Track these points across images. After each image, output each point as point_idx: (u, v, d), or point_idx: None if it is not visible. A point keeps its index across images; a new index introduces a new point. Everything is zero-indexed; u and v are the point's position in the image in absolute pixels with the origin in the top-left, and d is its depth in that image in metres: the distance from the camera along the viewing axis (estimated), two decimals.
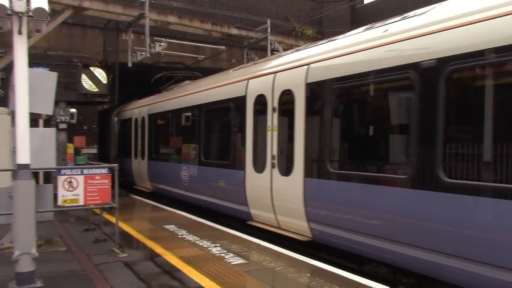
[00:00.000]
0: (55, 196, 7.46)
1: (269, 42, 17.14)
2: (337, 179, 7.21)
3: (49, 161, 7.66)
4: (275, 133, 8.60)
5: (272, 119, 8.71)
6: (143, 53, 15.42)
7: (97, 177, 7.56)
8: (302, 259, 7.09)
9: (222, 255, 7.35)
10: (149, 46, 15.04)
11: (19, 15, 5.75)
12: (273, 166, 8.61)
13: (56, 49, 16.50)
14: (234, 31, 17.02)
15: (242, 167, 9.63)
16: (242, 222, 9.95)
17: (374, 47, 6.55)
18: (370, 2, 22.11)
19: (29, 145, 5.90)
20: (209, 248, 7.80)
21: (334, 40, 8.08)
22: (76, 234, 9.35)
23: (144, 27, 14.68)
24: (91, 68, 14.76)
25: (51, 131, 8.04)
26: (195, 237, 8.74)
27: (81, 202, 7.48)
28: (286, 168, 8.38)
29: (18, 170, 5.89)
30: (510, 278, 4.69)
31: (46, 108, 7.58)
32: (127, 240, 8.57)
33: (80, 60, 16.22)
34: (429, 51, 5.61)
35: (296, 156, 7.97)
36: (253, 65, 10.86)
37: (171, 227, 9.75)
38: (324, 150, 7.42)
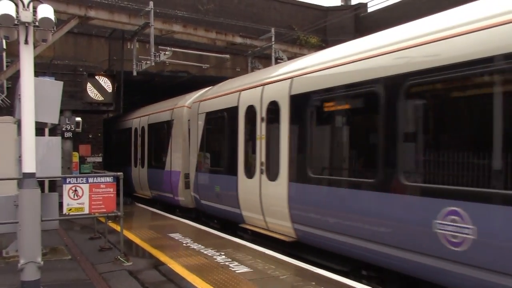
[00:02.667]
0: (61, 205, 7.49)
1: (273, 50, 17.19)
2: None
3: (55, 170, 7.70)
4: None
5: None
6: (148, 62, 15.50)
7: (102, 186, 7.58)
8: (307, 268, 7.06)
9: (227, 263, 7.33)
10: (154, 55, 15.12)
11: (25, 25, 5.81)
12: None
13: (61, 58, 16.63)
14: (239, 39, 17.06)
15: None
16: None
17: None
18: (374, 11, 22.15)
19: (34, 154, 5.93)
20: (214, 257, 7.78)
21: None
22: (81, 242, 9.35)
23: (149, 36, 14.76)
24: (97, 77, 14.87)
25: (57, 139, 8.09)
26: (199, 245, 8.72)
27: (86, 211, 7.51)
28: None
29: (23, 179, 5.91)
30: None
31: (52, 117, 7.63)
32: (132, 249, 8.58)
33: (86, 69, 16.33)
34: None
35: None
36: None
37: (175, 236, 9.74)
38: None
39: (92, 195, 7.49)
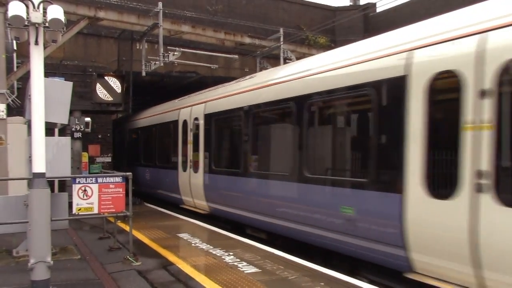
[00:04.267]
0: (70, 205, 7.52)
1: (282, 50, 17.18)
2: None
3: (64, 170, 7.72)
4: None
5: None
6: (157, 62, 15.55)
7: (111, 186, 7.61)
8: (316, 268, 7.03)
9: (235, 263, 7.33)
10: (163, 55, 15.17)
11: (35, 26, 5.85)
12: None
13: (71, 59, 16.73)
14: (247, 40, 17.07)
15: None
16: None
17: None
18: (383, 11, 22.06)
19: (44, 154, 5.96)
20: (223, 257, 7.78)
21: None
22: (91, 242, 9.40)
23: (157, 37, 14.80)
24: (106, 78, 14.94)
25: (66, 140, 8.11)
26: (208, 245, 8.73)
27: (96, 211, 7.53)
28: None
29: (33, 179, 5.95)
30: None
31: (62, 117, 7.65)
32: (140, 249, 8.59)
33: (95, 70, 16.43)
34: None
35: None
36: None
37: (184, 236, 9.76)
38: None
39: (102, 195, 7.51)
